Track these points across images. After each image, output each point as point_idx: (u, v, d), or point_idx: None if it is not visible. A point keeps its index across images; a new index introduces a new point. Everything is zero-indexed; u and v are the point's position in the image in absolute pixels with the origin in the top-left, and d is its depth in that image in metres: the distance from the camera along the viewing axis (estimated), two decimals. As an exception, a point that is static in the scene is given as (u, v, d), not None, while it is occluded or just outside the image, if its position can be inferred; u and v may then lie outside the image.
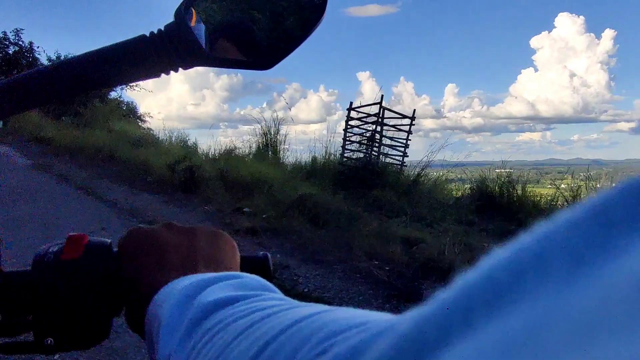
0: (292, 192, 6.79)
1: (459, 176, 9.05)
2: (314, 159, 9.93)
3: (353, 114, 9.37)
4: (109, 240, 0.52)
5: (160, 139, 13.67)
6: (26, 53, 23.14)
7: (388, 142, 8.94)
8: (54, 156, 12.30)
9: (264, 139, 12.38)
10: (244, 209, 6.62)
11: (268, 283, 0.39)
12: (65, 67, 0.51)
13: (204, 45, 0.51)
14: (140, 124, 20.49)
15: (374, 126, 8.67)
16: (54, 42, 73.51)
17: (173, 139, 13.11)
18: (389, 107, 8.63)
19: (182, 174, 8.05)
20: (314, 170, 9.59)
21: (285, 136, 12.01)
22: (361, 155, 8.87)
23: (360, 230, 5.46)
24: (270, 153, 11.75)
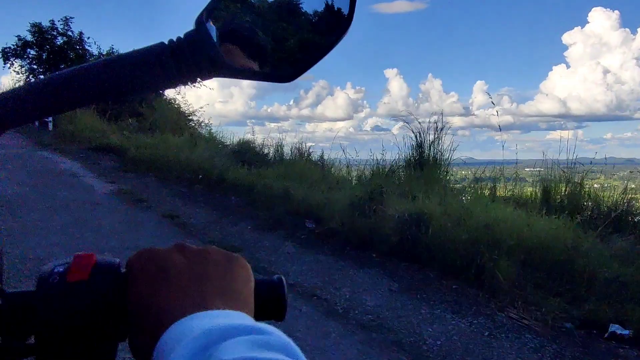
0: None
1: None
2: (547, 190, 6.46)
3: None
4: (118, 260, 0.48)
5: (264, 151, 10.33)
6: (75, 45, 20.37)
7: None
8: (134, 175, 9.07)
9: (418, 152, 9.03)
10: (621, 332, 3.23)
11: (291, 344, 0.35)
12: (80, 73, 0.48)
13: (224, 55, 0.49)
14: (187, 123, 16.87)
15: None
16: (108, 35, 69.53)
17: (288, 151, 9.74)
18: None
19: (403, 228, 4.71)
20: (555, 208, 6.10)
21: (453, 150, 8.58)
22: None
23: None
24: (429, 172, 8.41)
